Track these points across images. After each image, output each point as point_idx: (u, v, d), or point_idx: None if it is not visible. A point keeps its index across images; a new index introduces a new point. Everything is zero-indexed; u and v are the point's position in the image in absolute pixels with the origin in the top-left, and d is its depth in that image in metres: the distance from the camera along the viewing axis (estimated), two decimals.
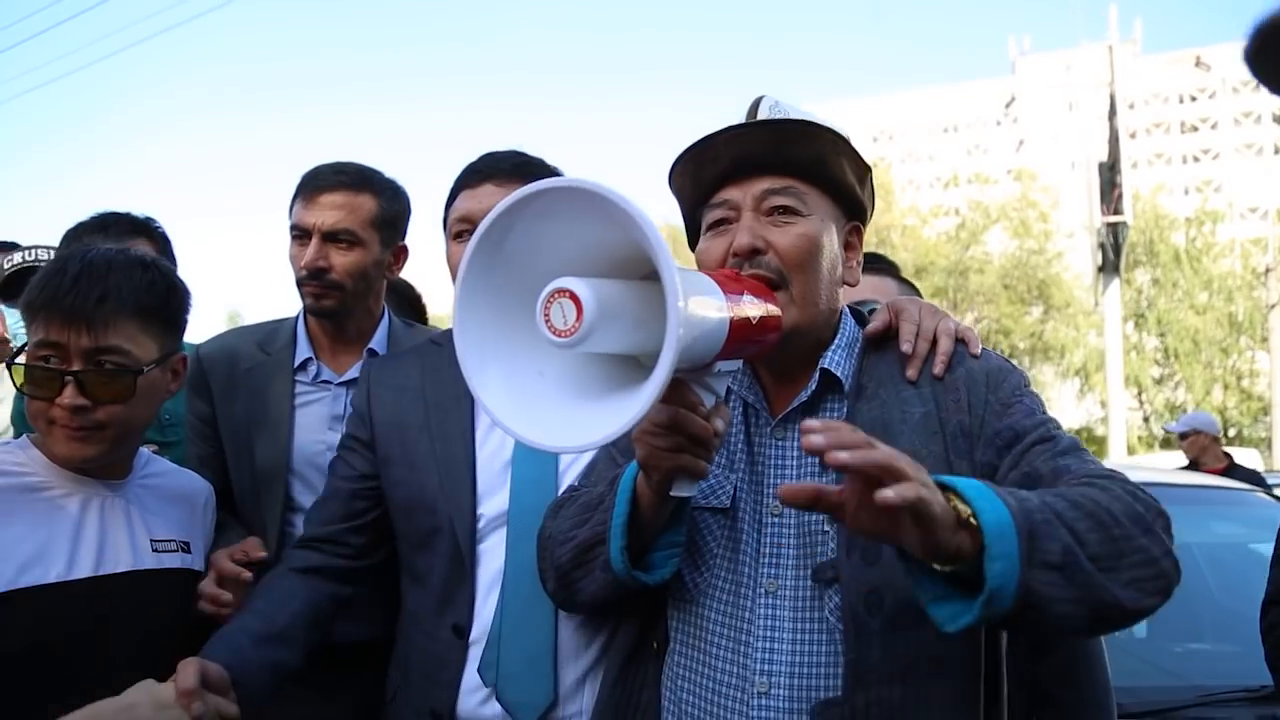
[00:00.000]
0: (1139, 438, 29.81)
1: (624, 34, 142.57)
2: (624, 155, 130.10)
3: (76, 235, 2.15)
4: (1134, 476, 3.69)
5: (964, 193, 38.71)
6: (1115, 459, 16.48)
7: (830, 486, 1.02)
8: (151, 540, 1.55)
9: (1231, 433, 27.44)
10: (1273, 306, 22.57)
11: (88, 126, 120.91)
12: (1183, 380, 30.13)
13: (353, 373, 2.05)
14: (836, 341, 1.38)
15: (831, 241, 1.35)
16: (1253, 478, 6.13)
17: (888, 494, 0.93)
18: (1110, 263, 17.63)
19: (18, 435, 2.05)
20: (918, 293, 2.26)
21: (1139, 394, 30.57)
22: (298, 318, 2.12)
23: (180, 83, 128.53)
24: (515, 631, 1.59)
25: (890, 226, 30.81)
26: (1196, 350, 29.54)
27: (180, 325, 1.58)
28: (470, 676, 1.61)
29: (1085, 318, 28.58)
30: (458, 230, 1.73)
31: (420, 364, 1.78)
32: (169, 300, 1.52)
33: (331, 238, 1.99)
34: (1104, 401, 23.14)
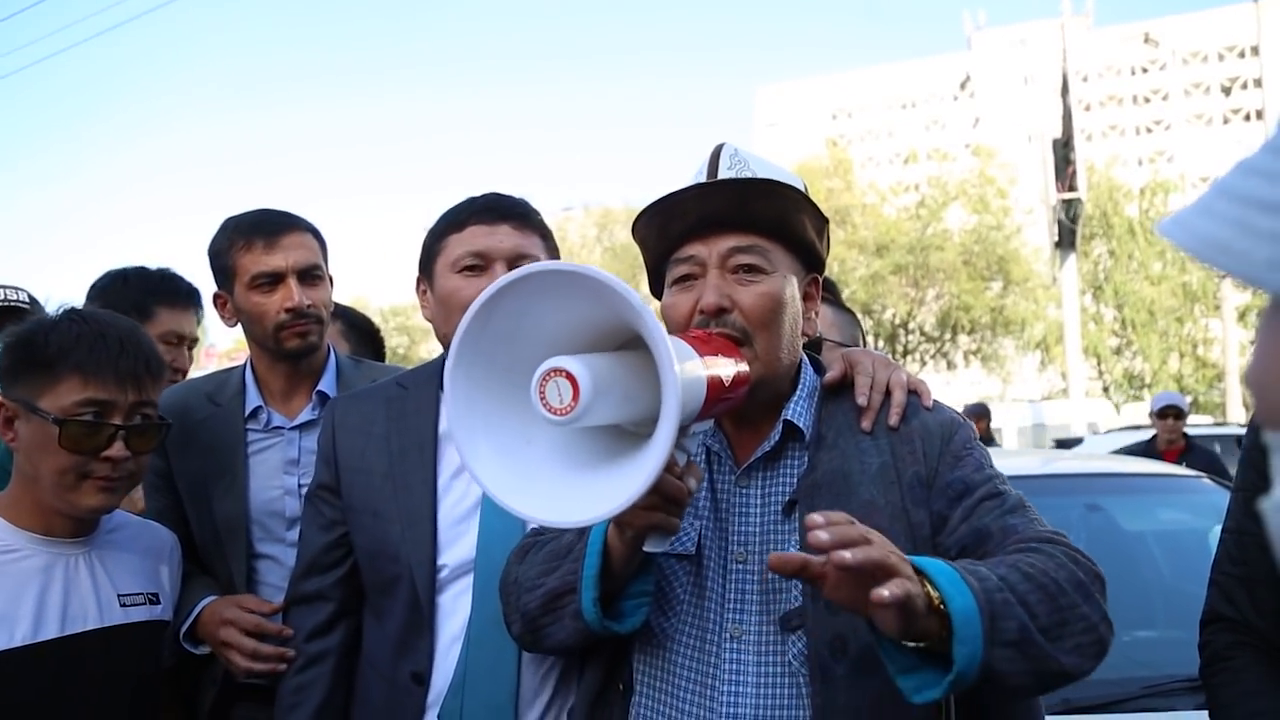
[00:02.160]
0: None
1: (565, 17, 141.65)
2: (578, 140, 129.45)
3: (146, 283, 2.39)
4: (1086, 467, 3.71)
5: (923, 169, 39.00)
6: (1075, 429, 16.78)
7: (815, 558, 1.08)
8: (119, 595, 1.57)
9: (1188, 399, 28.00)
10: (1224, 275, 23.03)
11: (69, 125, 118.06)
12: (1140, 350, 30.75)
13: (304, 415, 2.06)
14: (797, 392, 1.43)
15: (794, 297, 1.39)
16: (1210, 461, 6.20)
17: (883, 593, 1.01)
18: (1067, 238, 17.92)
19: None
20: (856, 321, 2.31)
21: (1098, 364, 31.15)
22: (244, 367, 2.13)
23: (156, 80, 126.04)
24: (479, 681, 1.61)
25: (851, 206, 30.97)
26: (1152, 320, 30.15)
27: None
28: None
29: (1044, 291, 29.00)
30: (468, 264, 1.71)
31: (386, 409, 1.78)
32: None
33: (304, 275, 2.02)
34: (1064, 373, 23.53)
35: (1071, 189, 17.07)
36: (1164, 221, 0.53)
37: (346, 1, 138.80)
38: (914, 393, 1.48)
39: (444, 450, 1.72)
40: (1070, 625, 1.18)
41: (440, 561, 1.66)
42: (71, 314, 1.56)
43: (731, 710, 1.31)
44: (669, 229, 1.41)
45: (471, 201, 1.79)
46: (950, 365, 32.59)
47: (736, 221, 1.37)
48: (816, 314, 1.49)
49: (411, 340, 37.37)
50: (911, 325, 31.33)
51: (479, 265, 1.70)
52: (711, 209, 1.37)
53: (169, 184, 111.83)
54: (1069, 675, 1.19)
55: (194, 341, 2.47)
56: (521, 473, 1.10)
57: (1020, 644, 1.13)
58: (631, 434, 1.18)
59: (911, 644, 1.11)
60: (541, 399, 1.01)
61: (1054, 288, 24.64)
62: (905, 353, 30.59)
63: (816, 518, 1.06)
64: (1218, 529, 1.70)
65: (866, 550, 1.03)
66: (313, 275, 2.04)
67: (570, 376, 1.00)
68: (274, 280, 2.00)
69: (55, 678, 1.45)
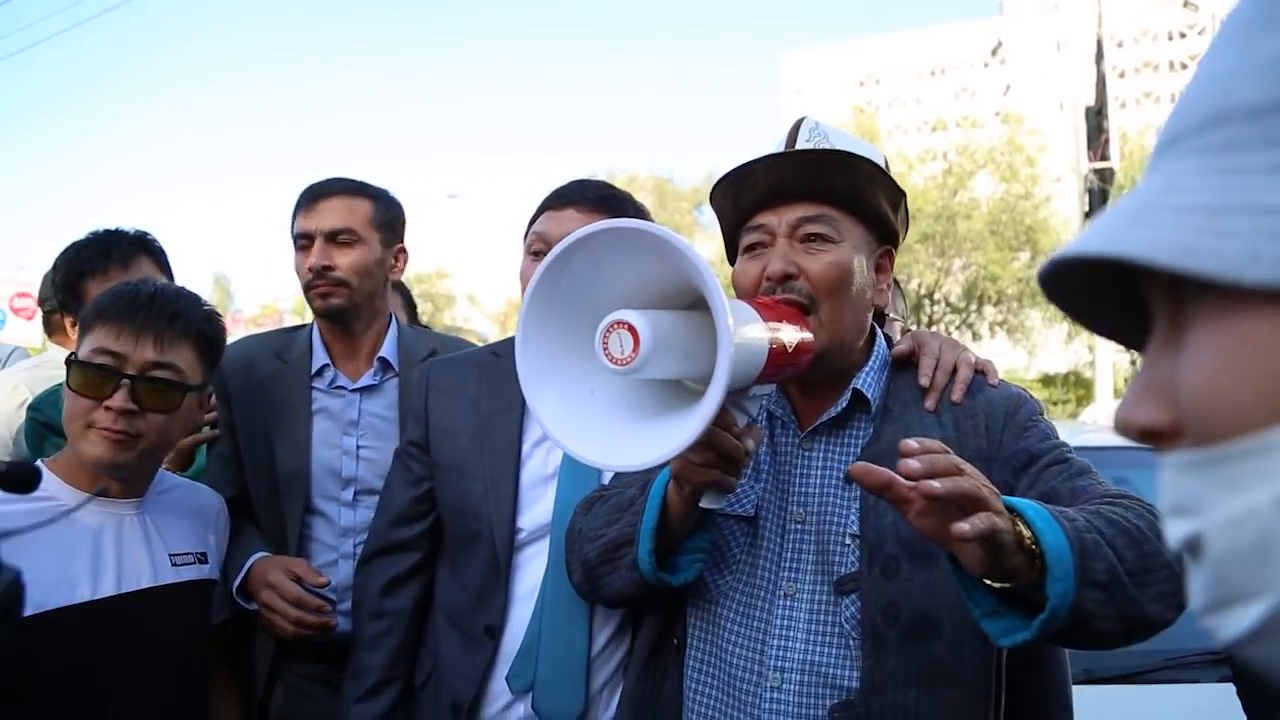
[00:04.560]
0: (1125, 380, 30.09)
1: None
2: (604, 109, 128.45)
3: (77, 256, 2.16)
4: (1113, 439, 3.67)
5: (951, 137, 38.41)
6: (1103, 402, 16.64)
7: (902, 480, 1.06)
8: (170, 554, 1.63)
9: None
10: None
11: (74, 99, 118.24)
12: None
13: (365, 379, 2.13)
14: (870, 363, 1.45)
15: (862, 267, 1.40)
16: None
17: (963, 528, 0.99)
18: (1098, 207, 17.65)
19: (33, 454, 2.10)
20: (900, 291, 2.32)
21: None
22: (313, 326, 2.19)
23: (165, 52, 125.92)
24: (552, 644, 1.68)
25: None
26: None
27: (217, 365, 1.71)
28: (498, 683, 1.71)
29: None
30: (535, 248, 1.78)
31: (478, 373, 1.86)
32: (219, 338, 1.67)
33: (333, 238, 2.07)
34: (1091, 345, 23.28)
35: (1104, 158, 16.78)
36: (1078, 241, 0.42)
37: None
38: (980, 372, 1.49)
39: (530, 418, 1.79)
40: (1155, 572, 1.15)
41: (519, 524, 1.74)
42: (141, 282, 1.63)
43: (780, 663, 1.34)
44: (741, 199, 1.43)
45: (558, 188, 1.86)
46: (976, 336, 32.25)
47: (806, 192, 1.38)
48: (889, 286, 1.50)
49: (435, 307, 37.59)
50: (937, 296, 31.04)
51: (542, 250, 1.76)
52: (781, 180, 1.38)
53: (163, 153, 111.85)
54: (1152, 623, 1.16)
55: None
56: (583, 419, 1.15)
57: (1109, 586, 1.10)
58: (693, 390, 1.22)
59: (998, 584, 1.10)
60: (604, 349, 1.07)
61: None
62: (930, 324, 30.31)
63: (911, 444, 1.03)
64: None
65: (957, 481, 1.01)
66: (343, 238, 2.08)
67: (632, 329, 1.05)
68: (307, 242, 2.09)
69: (114, 634, 1.51)
